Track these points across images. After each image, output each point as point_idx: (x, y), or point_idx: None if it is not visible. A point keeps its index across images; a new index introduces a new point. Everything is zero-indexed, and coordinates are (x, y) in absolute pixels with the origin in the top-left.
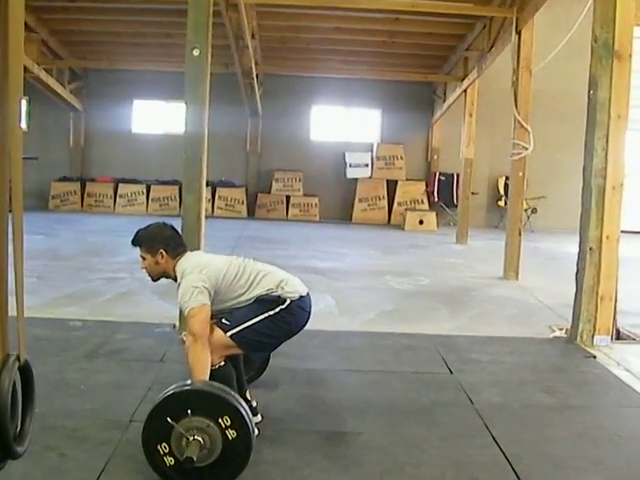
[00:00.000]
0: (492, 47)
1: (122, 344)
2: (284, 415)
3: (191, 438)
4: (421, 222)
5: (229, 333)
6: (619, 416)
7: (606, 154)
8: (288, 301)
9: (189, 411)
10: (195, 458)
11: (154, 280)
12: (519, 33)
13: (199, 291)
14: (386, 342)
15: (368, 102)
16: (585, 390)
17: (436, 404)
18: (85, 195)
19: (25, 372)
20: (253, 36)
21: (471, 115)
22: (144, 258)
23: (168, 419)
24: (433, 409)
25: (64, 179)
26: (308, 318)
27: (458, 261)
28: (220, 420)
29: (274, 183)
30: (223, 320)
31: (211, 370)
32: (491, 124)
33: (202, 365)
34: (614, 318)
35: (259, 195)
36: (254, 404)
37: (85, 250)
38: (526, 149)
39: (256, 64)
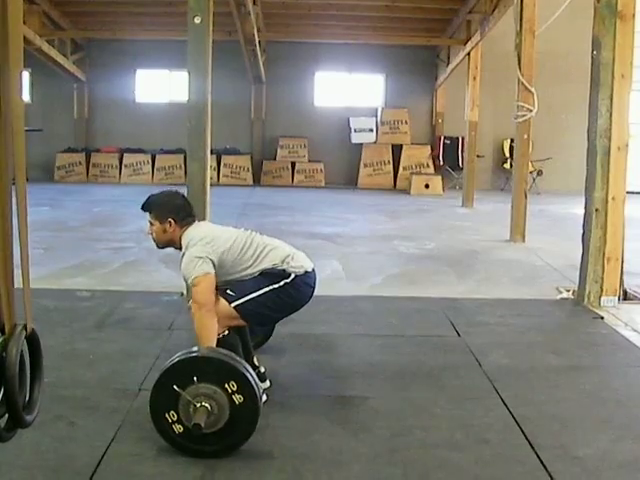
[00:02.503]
0: (495, 9)
1: (130, 313)
2: (292, 381)
3: (198, 405)
4: (427, 186)
5: (233, 304)
6: (627, 376)
7: (610, 115)
8: (293, 275)
9: (195, 378)
10: (203, 424)
11: (159, 247)
12: None
13: (203, 261)
14: (394, 306)
15: (371, 67)
16: (592, 351)
17: (444, 367)
18: (90, 166)
19: (32, 342)
20: (255, 2)
21: (475, 78)
22: (152, 224)
23: (175, 387)
24: (441, 372)
25: (69, 150)
26: (312, 294)
27: (464, 224)
28: (226, 386)
29: (279, 150)
30: (228, 291)
31: (218, 339)
32: (495, 87)
33: (208, 332)
34: (621, 279)
35: (264, 162)
36: (262, 370)
37: (91, 220)
38: (530, 111)
39: (258, 31)
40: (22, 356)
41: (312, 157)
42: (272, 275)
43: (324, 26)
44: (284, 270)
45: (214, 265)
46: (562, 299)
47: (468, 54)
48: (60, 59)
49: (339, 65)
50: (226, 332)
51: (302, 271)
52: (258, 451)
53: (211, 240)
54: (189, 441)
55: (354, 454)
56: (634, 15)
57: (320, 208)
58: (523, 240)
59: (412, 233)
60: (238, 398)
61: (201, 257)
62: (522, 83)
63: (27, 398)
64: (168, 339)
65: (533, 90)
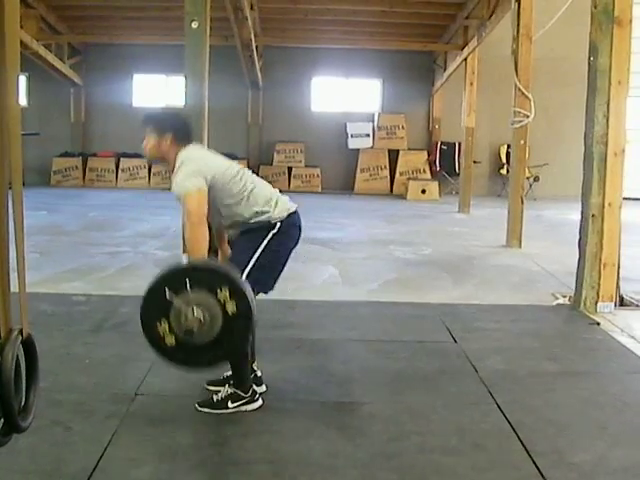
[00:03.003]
0: (492, 15)
1: (126, 317)
2: (289, 385)
3: (190, 314)
4: (423, 191)
5: None
6: (623, 382)
7: (607, 121)
8: (278, 224)
9: (187, 286)
10: (195, 329)
11: (149, 161)
12: (519, 0)
13: (196, 177)
14: (390, 311)
15: (368, 72)
16: (589, 357)
17: (440, 372)
18: (87, 170)
19: (28, 346)
20: (252, 7)
21: (472, 84)
22: (149, 138)
23: (167, 293)
24: (438, 378)
25: (65, 154)
26: (300, 231)
27: (461, 230)
28: (219, 293)
29: (276, 155)
30: None
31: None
32: (492, 92)
33: (199, 244)
34: (617, 285)
35: (261, 167)
36: (259, 374)
37: (87, 225)
38: (527, 117)
39: (255, 36)
40: (18, 361)
41: (309, 162)
42: (257, 231)
43: (321, 31)
44: (269, 221)
45: (206, 183)
46: (558, 305)
47: (465, 59)
48: (57, 63)
49: (336, 70)
50: None
51: (285, 214)
52: (254, 456)
53: (205, 161)
54: (182, 353)
55: (350, 459)
56: (631, 21)
57: (317, 213)
58: (520, 246)
59: (409, 238)
60: (231, 307)
61: (194, 174)
62: (519, 88)
63: (23, 403)
64: None
65: (530, 96)
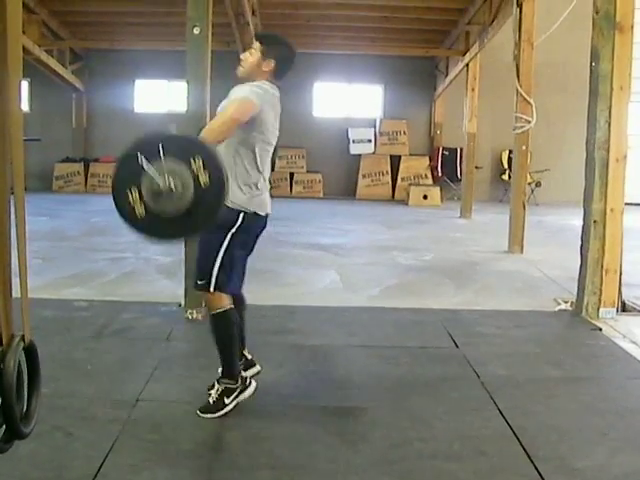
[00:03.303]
0: (493, 20)
1: (128, 323)
2: (290, 391)
3: (161, 182)
4: (425, 197)
5: (212, 288)
6: (625, 388)
7: (609, 126)
8: (240, 218)
9: (161, 154)
10: (165, 197)
11: (239, 74)
12: (520, 6)
13: (258, 98)
14: (392, 317)
15: (370, 78)
16: (591, 362)
17: (442, 378)
18: (89, 175)
19: (30, 353)
20: (254, 13)
21: (473, 89)
22: (253, 53)
23: (140, 160)
24: (439, 383)
25: (67, 160)
26: (263, 228)
27: (462, 235)
28: (192, 163)
29: (277, 160)
30: (197, 282)
31: (216, 313)
32: (494, 98)
33: (213, 130)
34: (619, 290)
35: None
36: (249, 357)
37: (89, 230)
38: (529, 122)
39: None
40: (20, 367)
41: (310, 168)
42: (221, 230)
43: (323, 37)
44: (237, 213)
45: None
46: (560, 310)
47: (467, 65)
48: (59, 69)
49: (338, 76)
50: (229, 307)
51: (252, 211)
52: (255, 462)
53: (271, 101)
54: (151, 224)
55: (352, 465)
56: (632, 27)
57: (318, 219)
58: (521, 251)
59: (410, 244)
60: (203, 178)
61: (258, 97)
62: (521, 94)
63: (24, 409)
64: (166, 350)
65: (532, 101)
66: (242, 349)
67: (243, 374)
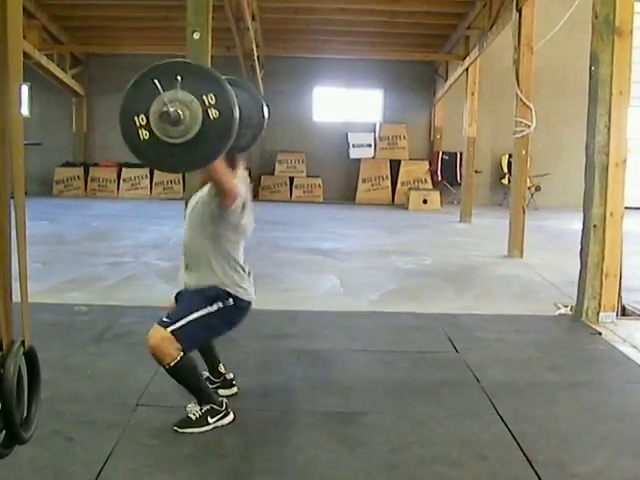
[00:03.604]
0: (493, 25)
1: (128, 328)
2: (290, 396)
3: (172, 109)
4: (425, 201)
5: (169, 329)
6: (625, 393)
7: (608, 131)
8: (231, 301)
9: (178, 82)
10: (172, 122)
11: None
12: (520, 10)
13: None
14: (392, 322)
15: (370, 82)
16: (591, 367)
17: (442, 383)
18: (89, 180)
19: (30, 358)
20: (253, 18)
21: (473, 94)
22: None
23: (156, 84)
24: (439, 388)
25: (67, 164)
26: (242, 320)
27: (462, 240)
28: (205, 97)
29: (277, 165)
30: (163, 318)
31: (171, 365)
32: (493, 102)
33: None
34: (619, 295)
35: (263, 177)
36: (229, 377)
37: (89, 235)
38: (529, 127)
39: (257, 46)
40: (20, 373)
41: (310, 172)
42: (208, 297)
43: (322, 41)
44: (226, 292)
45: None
46: (560, 315)
47: (466, 69)
48: (59, 73)
49: (337, 80)
50: (181, 354)
51: (242, 296)
52: (256, 467)
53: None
54: (152, 150)
55: (352, 470)
56: (632, 31)
57: (318, 223)
58: (521, 256)
59: (410, 248)
60: (213, 113)
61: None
62: (520, 98)
63: (24, 415)
64: None
65: (531, 106)
66: (217, 366)
67: (224, 392)
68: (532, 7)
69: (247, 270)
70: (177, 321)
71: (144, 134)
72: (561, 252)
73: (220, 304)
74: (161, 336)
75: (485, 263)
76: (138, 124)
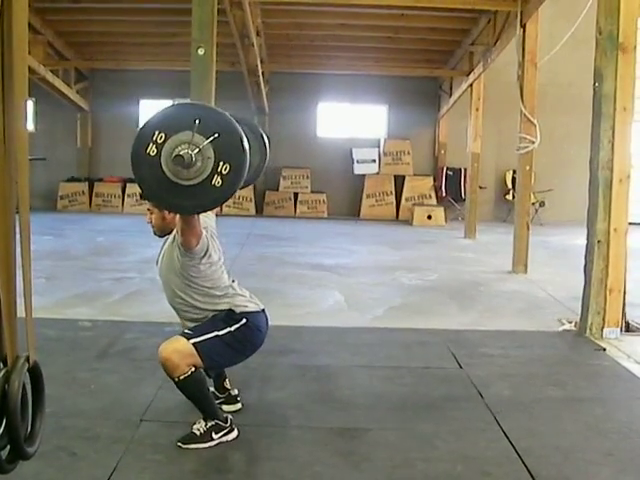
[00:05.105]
0: (497, 41)
1: (132, 344)
2: (294, 411)
3: (186, 150)
4: (429, 217)
5: (192, 341)
6: (629, 408)
7: (612, 146)
8: (244, 319)
9: (211, 137)
10: (185, 159)
11: (158, 235)
12: (524, 26)
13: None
14: (396, 337)
15: (374, 98)
16: (595, 383)
17: (446, 399)
18: (93, 195)
19: (35, 373)
20: (258, 34)
21: (477, 109)
22: (151, 211)
23: (197, 124)
24: (443, 404)
25: (72, 179)
26: (264, 336)
27: (467, 255)
28: (221, 165)
29: (282, 180)
30: (185, 330)
31: (181, 379)
32: (498, 118)
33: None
34: (623, 310)
35: (267, 192)
36: (233, 393)
37: (94, 250)
38: (533, 142)
39: (262, 62)
40: (24, 388)
41: (315, 188)
42: (225, 319)
43: (327, 57)
44: (236, 312)
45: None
46: (564, 331)
47: (470, 85)
48: (64, 88)
49: (342, 96)
50: (193, 369)
51: (252, 310)
52: None
53: (207, 228)
54: (148, 168)
55: None
56: (635, 47)
57: (323, 239)
58: (525, 271)
59: (414, 264)
60: (217, 180)
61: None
62: (524, 114)
63: (29, 430)
64: None
65: (535, 122)
66: (223, 381)
67: (229, 408)
68: (536, 23)
69: (237, 285)
70: (201, 335)
71: (152, 149)
72: (565, 268)
73: (237, 325)
74: (175, 348)
75: (489, 279)
76: (154, 138)
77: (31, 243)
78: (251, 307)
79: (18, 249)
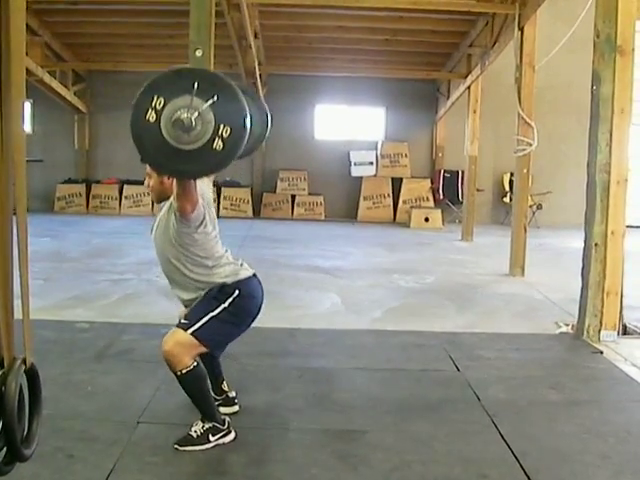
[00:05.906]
0: (495, 44)
1: (129, 345)
2: (291, 414)
3: (186, 114)
4: (426, 219)
5: (189, 331)
6: (626, 411)
7: (610, 149)
8: (237, 291)
9: (212, 100)
10: (185, 123)
11: (156, 202)
12: (522, 29)
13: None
14: (393, 340)
15: (372, 100)
16: (592, 385)
17: (443, 401)
18: (90, 197)
19: (32, 375)
20: (256, 36)
21: (475, 112)
22: (150, 176)
23: (196, 87)
24: (440, 406)
25: (69, 181)
26: (261, 302)
27: (464, 258)
28: (221, 127)
29: (279, 182)
30: (181, 320)
31: (183, 373)
32: (495, 121)
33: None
34: (620, 313)
35: (264, 194)
36: (231, 395)
37: (91, 252)
38: (530, 145)
39: (259, 64)
40: (21, 390)
41: (312, 190)
42: (216, 296)
43: (325, 59)
44: (228, 284)
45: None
46: (561, 333)
47: (468, 88)
48: (61, 90)
49: (339, 98)
50: (195, 364)
51: (244, 277)
52: None
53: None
54: (148, 134)
55: None
56: (633, 50)
57: (320, 241)
58: (523, 274)
59: (412, 267)
60: (218, 144)
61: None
62: (522, 117)
63: (26, 432)
64: (167, 371)
65: (533, 124)
66: (220, 383)
67: (226, 410)
68: (534, 26)
69: (229, 254)
70: (197, 322)
71: (151, 115)
72: (562, 270)
73: (230, 299)
74: (176, 341)
75: (486, 281)
76: (153, 104)
77: (28, 245)
78: (242, 274)
79: (15, 251)
